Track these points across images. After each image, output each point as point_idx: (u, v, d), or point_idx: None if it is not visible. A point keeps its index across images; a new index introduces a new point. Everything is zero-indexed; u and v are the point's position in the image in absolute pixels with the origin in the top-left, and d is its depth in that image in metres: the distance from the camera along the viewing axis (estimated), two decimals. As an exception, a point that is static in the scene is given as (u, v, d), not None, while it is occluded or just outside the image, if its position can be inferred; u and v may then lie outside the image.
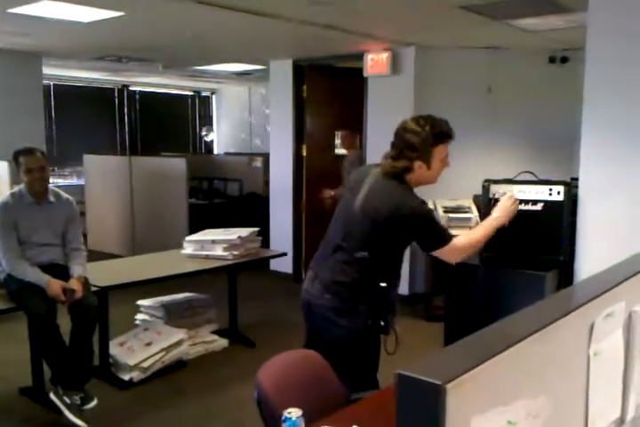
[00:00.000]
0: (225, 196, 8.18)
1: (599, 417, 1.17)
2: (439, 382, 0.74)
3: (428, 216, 2.38)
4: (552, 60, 5.39)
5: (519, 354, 0.89)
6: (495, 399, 0.85)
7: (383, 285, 2.42)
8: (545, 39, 4.88)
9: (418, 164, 2.34)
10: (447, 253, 2.42)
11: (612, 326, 1.20)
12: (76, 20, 4.29)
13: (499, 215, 2.54)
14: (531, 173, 2.77)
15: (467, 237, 2.47)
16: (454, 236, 2.42)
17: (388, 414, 0.81)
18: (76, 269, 3.38)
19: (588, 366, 1.12)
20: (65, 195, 3.61)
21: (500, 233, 2.43)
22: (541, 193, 2.65)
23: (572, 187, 2.69)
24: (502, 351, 0.86)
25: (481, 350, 0.86)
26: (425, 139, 2.30)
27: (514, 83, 5.45)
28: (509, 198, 2.61)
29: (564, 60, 5.33)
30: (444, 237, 2.39)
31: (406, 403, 0.78)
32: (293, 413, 1.63)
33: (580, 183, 2.72)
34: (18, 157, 3.42)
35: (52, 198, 3.49)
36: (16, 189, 3.48)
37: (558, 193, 2.64)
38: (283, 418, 1.63)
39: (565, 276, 2.71)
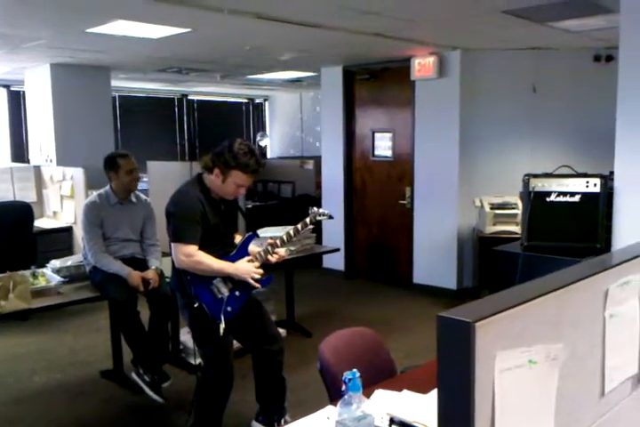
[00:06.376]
0: (279, 197, 8.51)
1: (615, 371, 1.33)
2: (469, 321, 0.95)
3: (178, 215, 2.78)
4: (597, 58, 5.43)
5: (538, 307, 1.08)
6: (517, 341, 1.05)
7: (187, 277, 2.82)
8: (589, 38, 4.96)
9: (217, 171, 2.77)
10: (174, 250, 2.80)
11: (628, 293, 1.35)
12: (146, 36, 4.63)
13: (236, 269, 2.86)
14: (569, 167, 2.94)
15: (207, 257, 2.79)
16: (195, 244, 2.76)
17: (434, 382, 1.00)
18: (154, 262, 3.75)
19: (604, 326, 1.29)
20: (144, 196, 3.98)
21: (540, 223, 2.61)
22: (579, 185, 2.83)
23: (607, 180, 2.85)
24: (523, 303, 1.06)
25: (506, 301, 1.06)
26: (230, 157, 2.73)
27: (558, 82, 5.56)
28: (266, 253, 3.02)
29: (609, 58, 5.37)
30: (178, 236, 2.78)
31: (444, 338, 0.99)
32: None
33: (616, 176, 2.87)
34: (116, 160, 3.70)
35: (133, 199, 3.86)
36: (102, 190, 3.82)
37: (595, 185, 2.81)
38: (344, 379, 1.88)
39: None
